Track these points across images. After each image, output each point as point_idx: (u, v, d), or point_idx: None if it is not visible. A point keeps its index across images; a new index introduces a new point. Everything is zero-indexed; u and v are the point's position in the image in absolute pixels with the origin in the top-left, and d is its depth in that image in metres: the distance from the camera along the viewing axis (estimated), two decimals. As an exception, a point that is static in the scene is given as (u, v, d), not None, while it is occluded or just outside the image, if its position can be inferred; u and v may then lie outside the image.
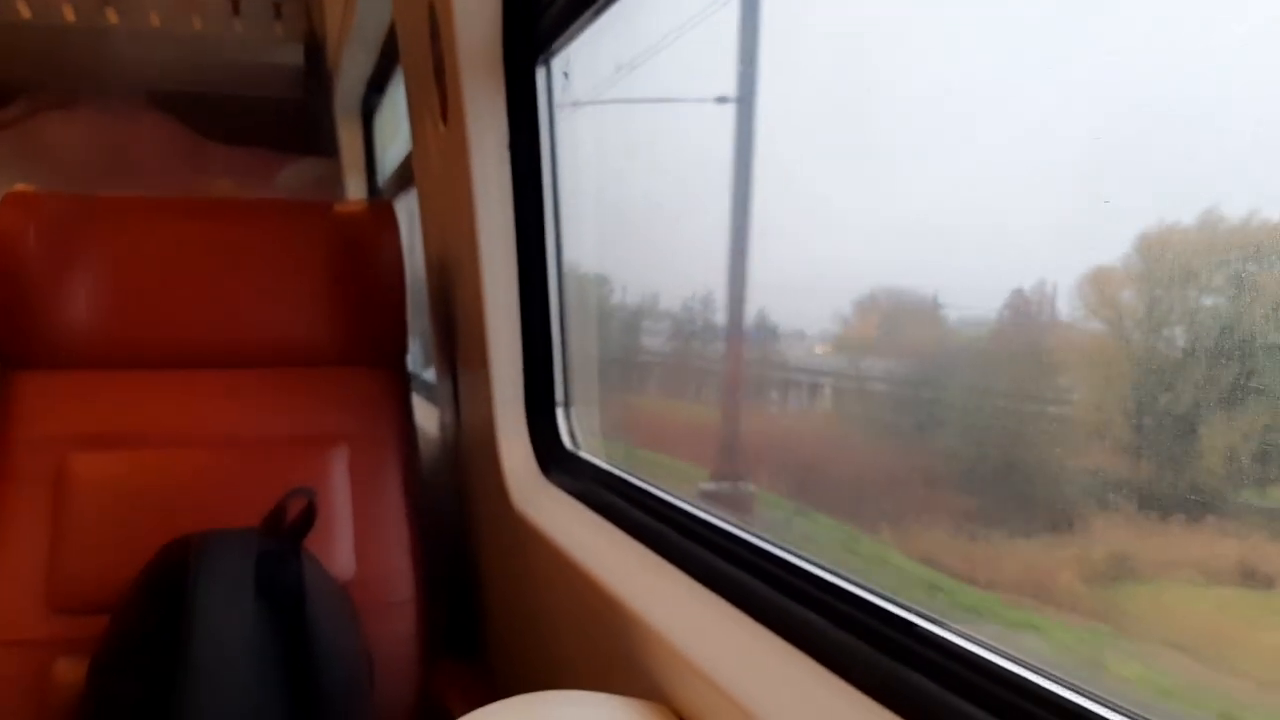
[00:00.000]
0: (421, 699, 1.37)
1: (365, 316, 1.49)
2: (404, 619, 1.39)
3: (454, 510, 1.68)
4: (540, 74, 1.32)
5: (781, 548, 0.87)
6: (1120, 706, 0.54)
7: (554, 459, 1.37)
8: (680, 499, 1.07)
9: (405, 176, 2.48)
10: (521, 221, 1.37)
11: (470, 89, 1.30)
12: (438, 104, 1.43)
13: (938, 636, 0.67)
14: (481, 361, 1.40)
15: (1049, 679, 0.59)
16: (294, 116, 3.35)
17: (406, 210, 2.01)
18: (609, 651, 0.98)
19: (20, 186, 1.40)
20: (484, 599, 1.54)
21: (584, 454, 1.36)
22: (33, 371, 1.36)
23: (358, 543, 1.38)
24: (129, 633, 1.08)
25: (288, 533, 1.14)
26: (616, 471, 1.23)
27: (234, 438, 1.39)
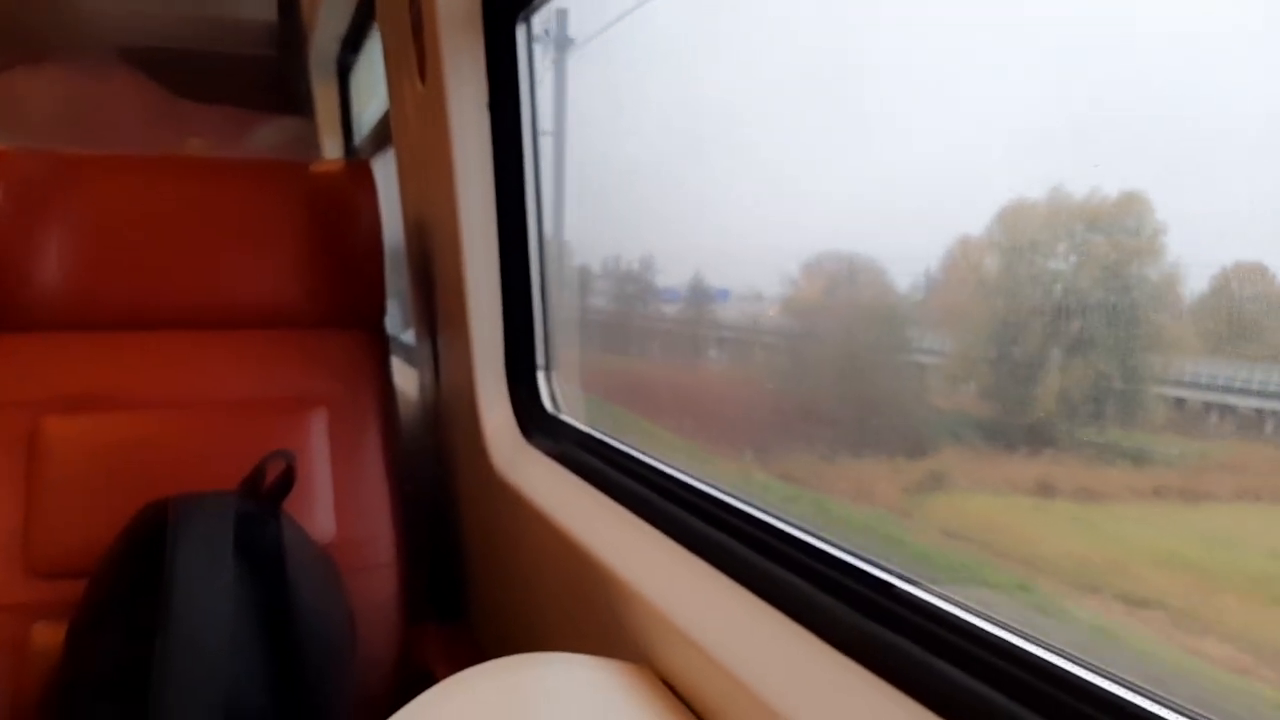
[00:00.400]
0: (403, 661, 1.38)
1: (343, 278, 1.48)
2: (385, 582, 1.39)
3: (434, 473, 1.68)
4: (520, 31, 1.30)
5: (763, 510, 0.88)
6: (1098, 667, 0.55)
7: (535, 422, 1.37)
8: (662, 462, 1.07)
9: (382, 136, 2.45)
10: (501, 182, 1.36)
11: (449, 46, 1.28)
12: (415, 62, 1.40)
13: (915, 597, 0.68)
14: (461, 324, 1.39)
15: (1022, 638, 0.60)
16: (268, 74, 3.29)
17: (384, 170, 1.98)
18: (592, 614, 0.98)
19: None
20: (466, 562, 1.55)
21: (565, 417, 1.35)
22: (2, 334, 1.34)
23: (338, 506, 1.38)
24: (108, 596, 1.07)
25: (267, 495, 1.14)
26: (598, 434, 1.23)
27: (211, 400, 1.38)
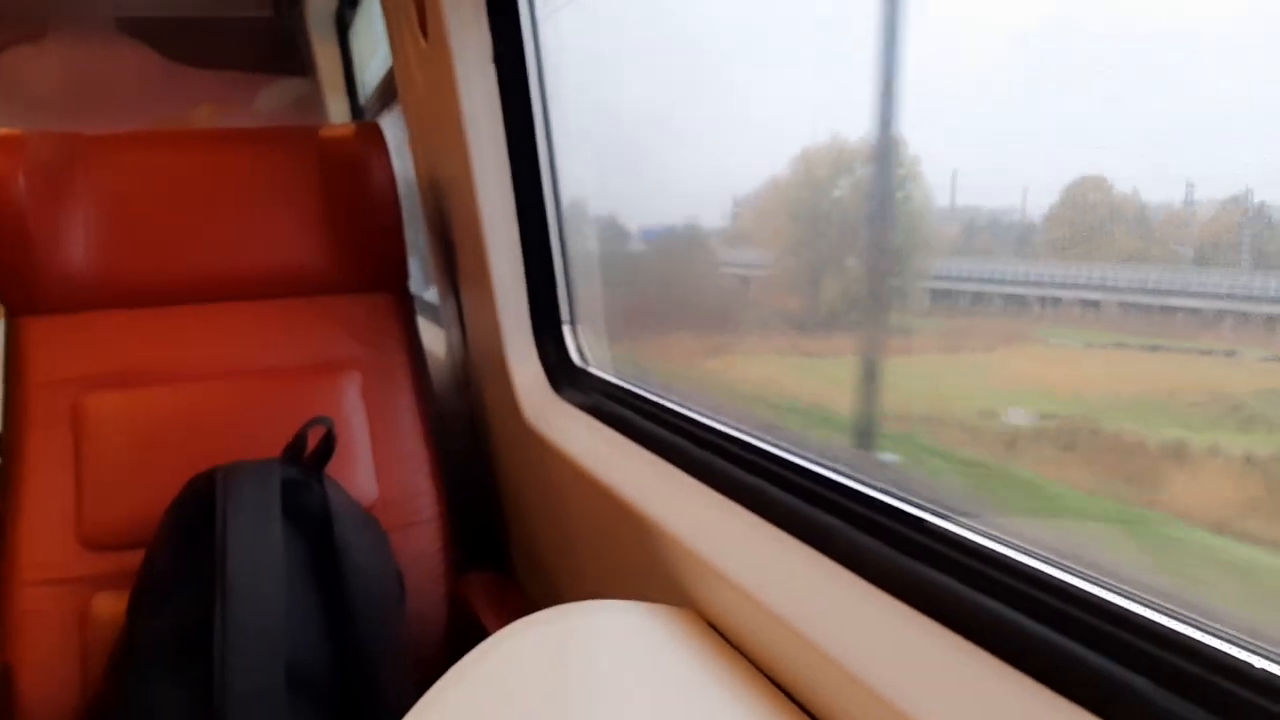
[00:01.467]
0: (453, 612, 1.42)
1: (363, 241, 1.49)
2: (429, 537, 1.42)
3: (467, 429, 1.70)
4: (522, -18, 1.28)
5: (796, 453, 0.90)
6: (1128, 591, 0.57)
7: (564, 375, 1.39)
8: (692, 409, 1.09)
9: (388, 93, 2.43)
10: (512, 135, 1.35)
11: (450, 0, 1.27)
12: (416, 17, 1.39)
13: (947, 531, 0.69)
14: (484, 280, 1.40)
15: (1052, 565, 0.61)
16: (268, 36, 3.26)
17: (392, 127, 1.97)
18: (632, 561, 1.01)
19: (2, 130, 1.38)
20: (505, 514, 1.58)
21: (593, 369, 1.37)
22: (37, 317, 1.37)
23: (378, 466, 1.41)
24: (164, 565, 1.11)
25: (309, 461, 1.17)
26: (627, 385, 1.24)
27: (245, 370, 1.41)
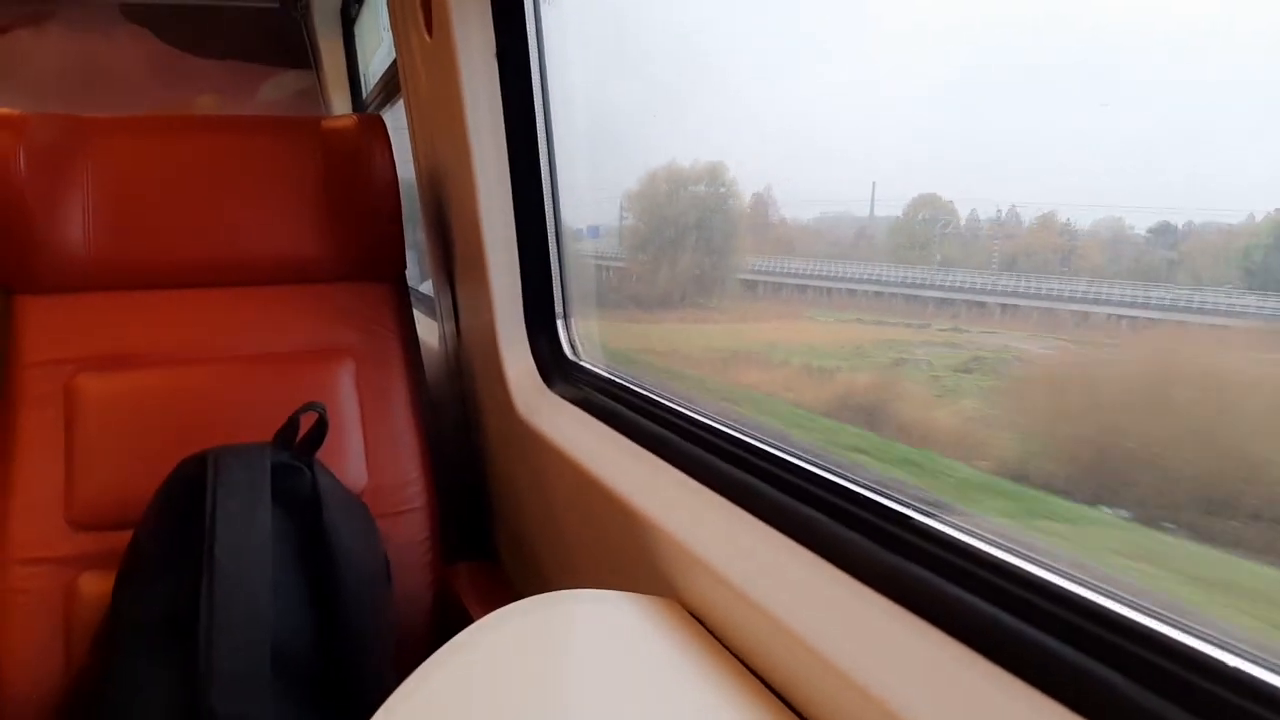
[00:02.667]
0: (439, 600, 1.43)
1: (362, 231, 1.50)
2: (418, 525, 1.43)
3: (459, 420, 1.71)
4: (526, -21, 1.29)
5: (783, 449, 0.91)
6: (1108, 589, 0.58)
7: (556, 368, 1.40)
8: (683, 404, 1.10)
9: (390, 88, 2.44)
10: (513, 131, 1.36)
11: None
12: (421, 13, 1.40)
13: (931, 528, 0.70)
14: (480, 273, 1.41)
15: (1035, 564, 0.62)
16: (272, 28, 3.27)
17: (393, 122, 1.98)
18: (618, 552, 1.02)
19: (3, 110, 1.38)
20: (495, 505, 1.59)
21: (585, 363, 1.38)
22: (33, 296, 1.37)
23: (368, 453, 1.41)
24: (152, 546, 1.11)
25: (301, 446, 1.18)
26: (619, 379, 1.25)
27: (240, 355, 1.41)
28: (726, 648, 0.78)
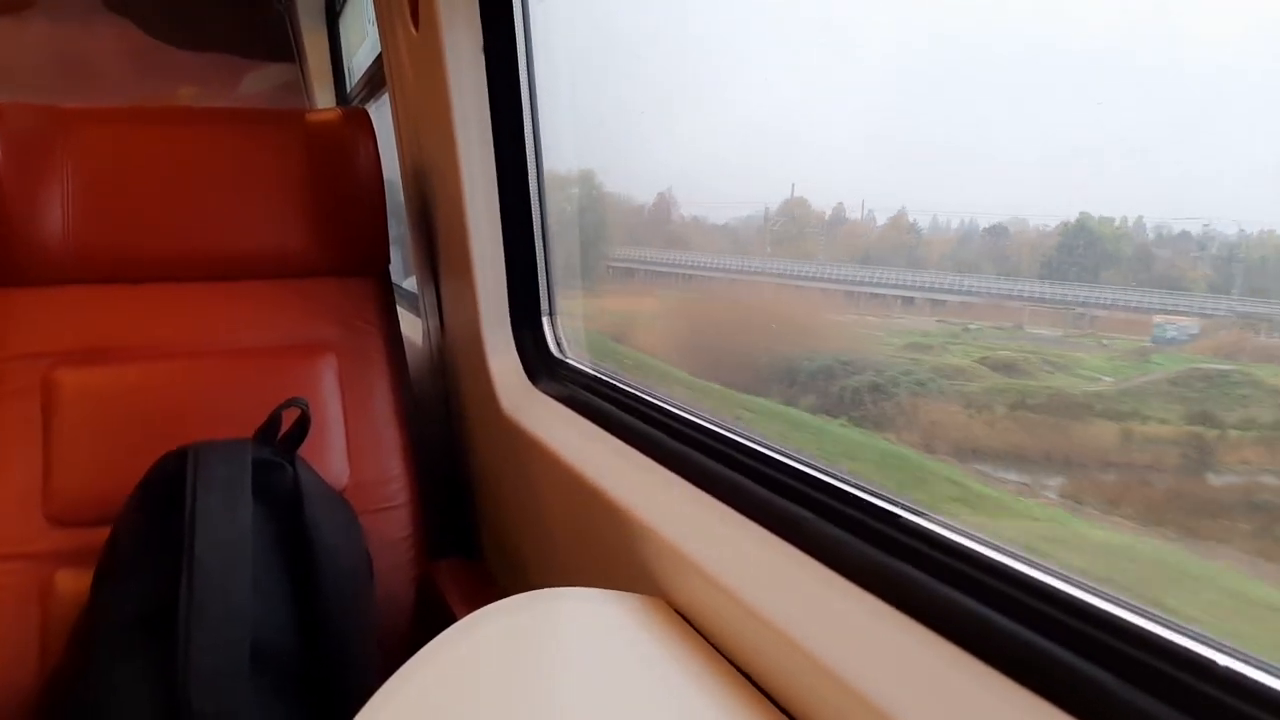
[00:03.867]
0: (422, 598, 1.42)
1: (345, 225, 1.49)
2: (400, 522, 1.42)
3: (443, 417, 1.70)
4: (515, -28, 1.29)
5: (769, 446, 0.90)
6: (1090, 586, 0.58)
7: (541, 365, 1.39)
8: (669, 402, 1.09)
9: (375, 82, 2.43)
10: (499, 127, 1.36)
11: None
12: (408, 7, 1.39)
13: (921, 526, 0.70)
14: (465, 270, 1.40)
15: (1023, 562, 0.62)
16: (255, 20, 3.24)
17: (378, 116, 1.97)
18: (604, 550, 1.01)
19: None
20: (479, 502, 1.58)
21: (570, 360, 1.37)
22: (10, 289, 1.35)
23: (351, 450, 1.40)
24: (131, 542, 1.10)
25: (282, 442, 1.16)
26: (605, 376, 1.25)
27: (221, 350, 1.40)
28: (713, 646, 0.78)
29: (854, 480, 0.80)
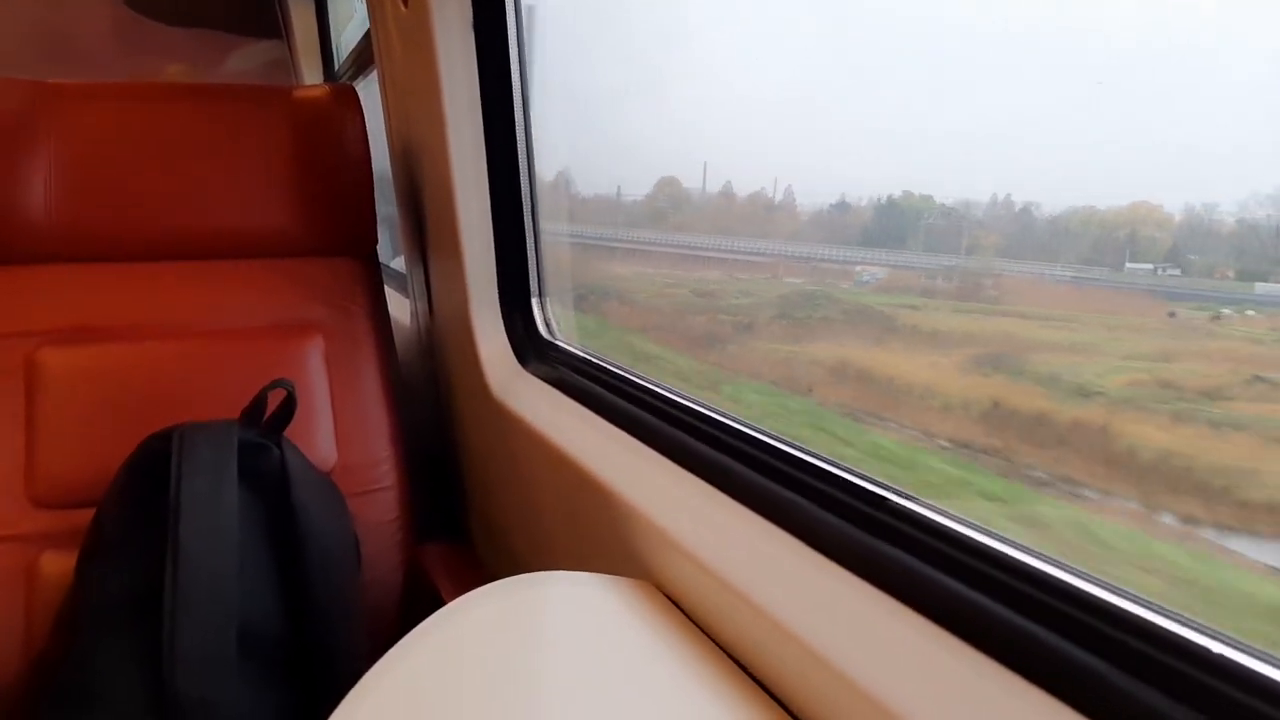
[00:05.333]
0: (410, 581, 1.41)
1: (332, 204, 1.47)
2: (388, 505, 1.41)
3: (431, 399, 1.69)
4: (506, -50, 1.27)
5: (759, 430, 0.90)
6: (1085, 573, 0.57)
7: (530, 347, 1.38)
8: (659, 384, 1.09)
9: (363, 59, 2.40)
10: (489, 106, 1.34)
11: None
12: None
13: (909, 510, 0.70)
14: (454, 250, 1.39)
15: (1011, 546, 0.62)
16: (242, -4, 3.20)
17: (366, 94, 1.95)
18: (593, 533, 1.01)
19: None
20: (468, 485, 1.57)
21: (560, 342, 1.37)
22: None
23: (338, 432, 1.39)
24: (116, 525, 1.09)
25: (268, 424, 1.15)
26: (595, 358, 1.24)
27: (207, 330, 1.39)
28: (702, 630, 0.78)
29: (842, 464, 0.79)
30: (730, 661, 0.73)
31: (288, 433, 1.16)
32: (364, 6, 1.71)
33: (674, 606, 0.82)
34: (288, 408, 1.15)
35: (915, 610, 0.63)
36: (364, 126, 1.47)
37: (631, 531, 0.90)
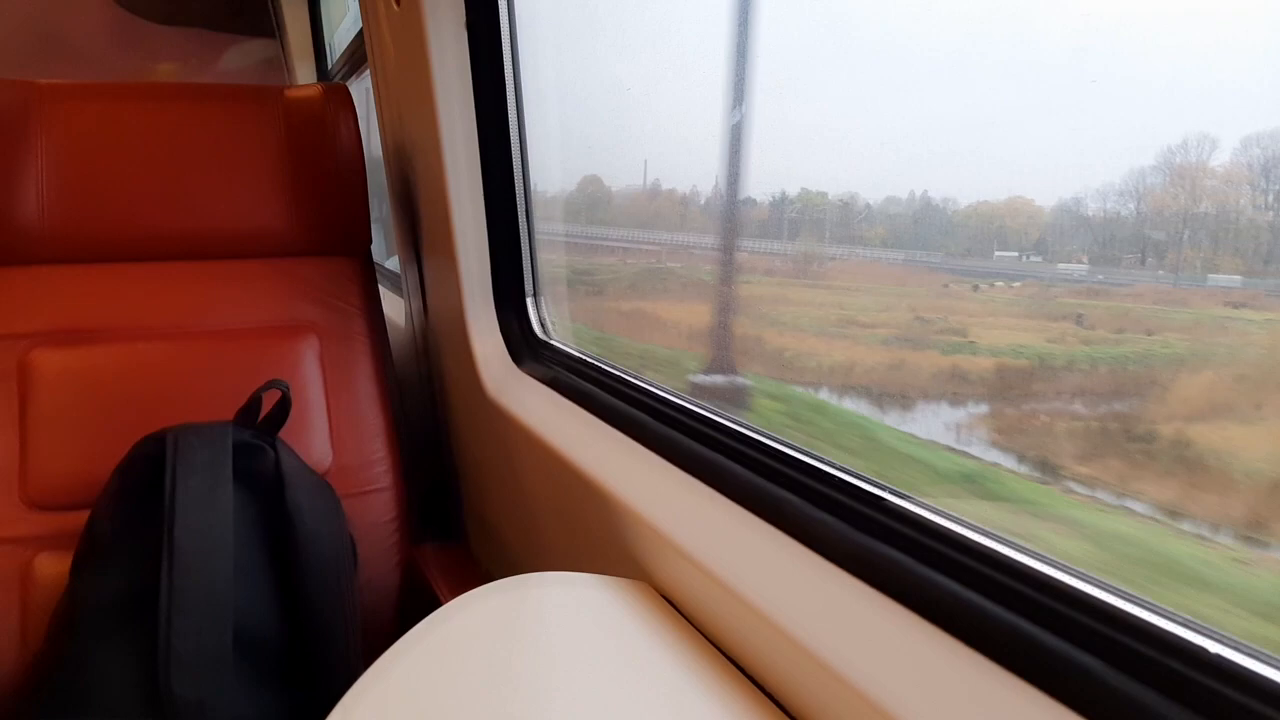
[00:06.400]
0: (406, 582, 1.41)
1: (326, 204, 1.47)
2: (384, 505, 1.41)
3: (426, 399, 1.69)
4: (498, -52, 1.27)
5: (754, 429, 0.90)
6: (1082, 573, 0.58)
7: (525, 347, 1.38)
8: (654, 384, 1.09)
9: (357, 58, 2.40)
10: (482, 104, 1.34)
11: None
12: None
13: (906, 510, 0.70)
14: (448, 250, 1.38)
15: (1010, 547, 0.62)
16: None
17: (359, 94, 1.95)
18: (589, 534, 1.01)
19: None
20: (463, 485, 1.57)
21: (555, 341, 1.36)
22: None
23: (333, 432, 1.39)
24: (110, 526, 1.09)
25: (263, 424, 1.15)
26: (590, 358, 1.24)
27: (201, 331, 1.38)
28: (699, 630, 0.78)
29: (837, 463, 0.79)
30: (726, 661, 0.73)
31: (282, 433, 1.16)
32: (357, 5, 1.70)
33: (670, 606, 0.82)
34: (282, 408, 1.15)
35: (909, 609, 0.63)
36: (357, 125, 1.46)
37: (627, 531, 0.90)
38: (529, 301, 1.41)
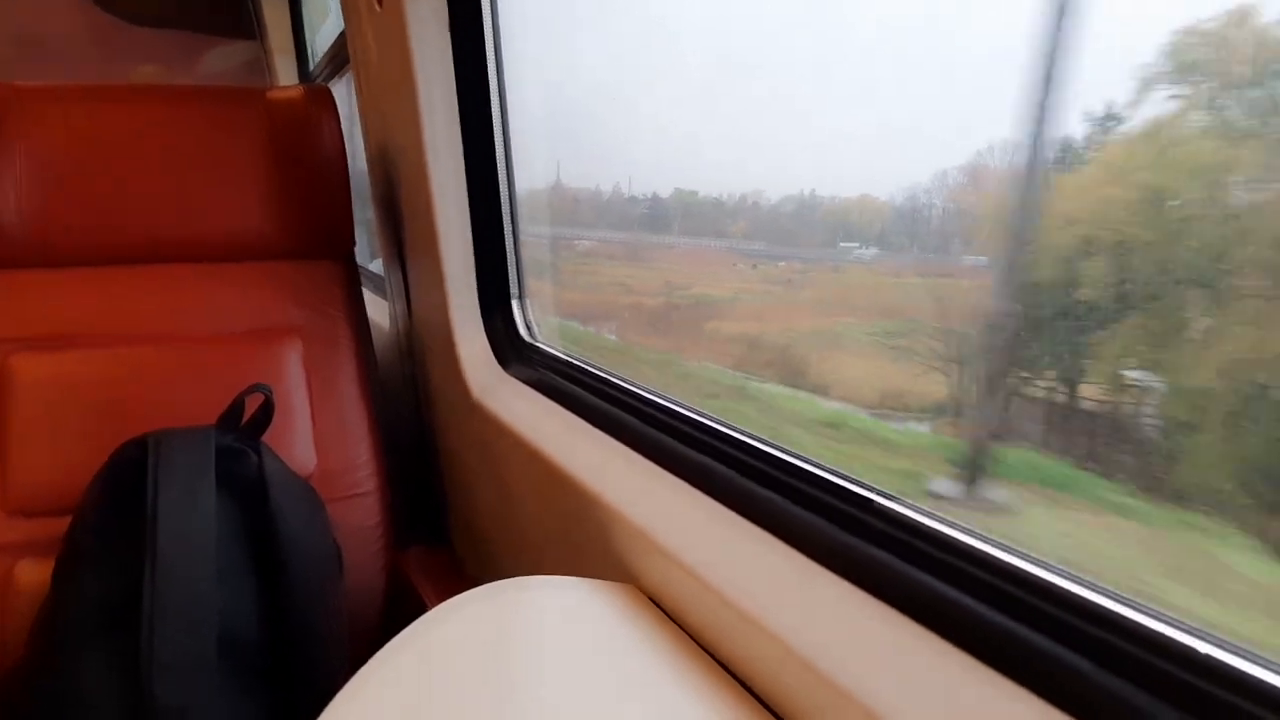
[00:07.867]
0: (391, 586, 1.40)
1: (309, 207, 1.46)
2: (368, 509, 1.40)
3: (411, 402, 1.68)
4: (482, -51, 1.26)
5: (740, 431, 0.90)
6: (1070, 573, 0.58)
7: (511, 350, 1.37)
8: (640, 386, 1.08)
9: (339, 60, 2.38)
10: (466, 107, 1.33)
11: None
12: None
13: (894, 511, 0.70)
14: (432, 252, 1.38)
15: (995, 546, 0.62)
16: (215, -4, 3.17)
17: (341, 96, 1.94)
18: (575, 537, 1.00)
19: None
20: (449, 488, 1.56)
21: (541, 344, 1.36)
22: None
23: (317, 436, 1.38)
24: (91, 532, 1.08)
25: (246, 428, 1.14)
26: (576, 360, 1.24)
27: (184, 335, 1.37)
28: (686, 633, 0.77)
29: (825, 465, 0.79)
30: (714, 664, 0.73)
31: (266, 438, 1.15)
32: (338, 7, 1.69)
33: (657, 609, 0.82)
34: (266, 413, 1.14)
35: (897, 609, 0.63)
36: (339, 127, 1.46)
37: (614, 534, 0.90)
38: (514, 304, 1.40)
